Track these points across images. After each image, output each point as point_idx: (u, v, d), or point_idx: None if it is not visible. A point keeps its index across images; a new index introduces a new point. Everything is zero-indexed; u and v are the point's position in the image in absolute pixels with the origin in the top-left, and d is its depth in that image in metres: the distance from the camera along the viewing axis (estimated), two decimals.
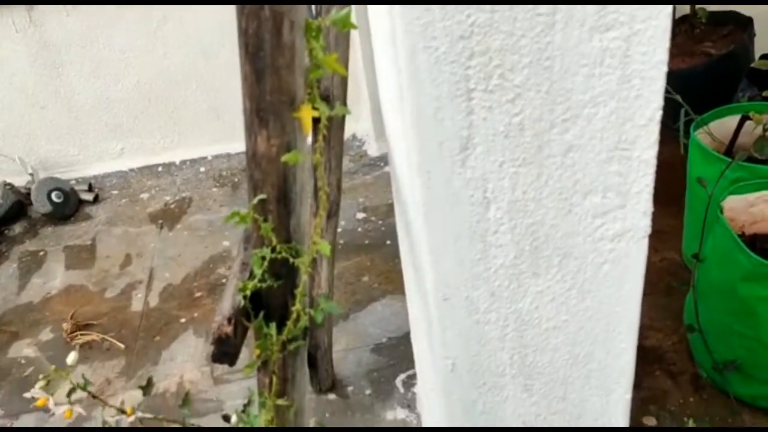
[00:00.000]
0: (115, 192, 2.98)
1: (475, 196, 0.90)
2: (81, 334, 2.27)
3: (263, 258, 0.99)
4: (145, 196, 2.95)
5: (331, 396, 2.06)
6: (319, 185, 0.91)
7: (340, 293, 2.38)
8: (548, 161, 0.88)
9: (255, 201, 0.97)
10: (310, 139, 1.07)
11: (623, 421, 1.16)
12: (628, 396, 1.12)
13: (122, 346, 2.24)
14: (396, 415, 1.97)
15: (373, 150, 3.05)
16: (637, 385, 1.98)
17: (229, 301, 1.03)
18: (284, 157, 0.90)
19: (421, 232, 0.98)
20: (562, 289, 0.99)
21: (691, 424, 1.26)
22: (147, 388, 1.01)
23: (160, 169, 3.05)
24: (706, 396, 1.91)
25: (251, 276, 1.03)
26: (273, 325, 1.01)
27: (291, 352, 1.12)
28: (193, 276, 2.50)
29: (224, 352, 1.01)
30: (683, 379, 1.96)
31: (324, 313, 1.00)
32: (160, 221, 2.79)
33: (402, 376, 2.08)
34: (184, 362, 2.17)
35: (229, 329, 0.99)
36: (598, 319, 1.02)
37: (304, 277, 1.00)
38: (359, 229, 2.68)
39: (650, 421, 1.88)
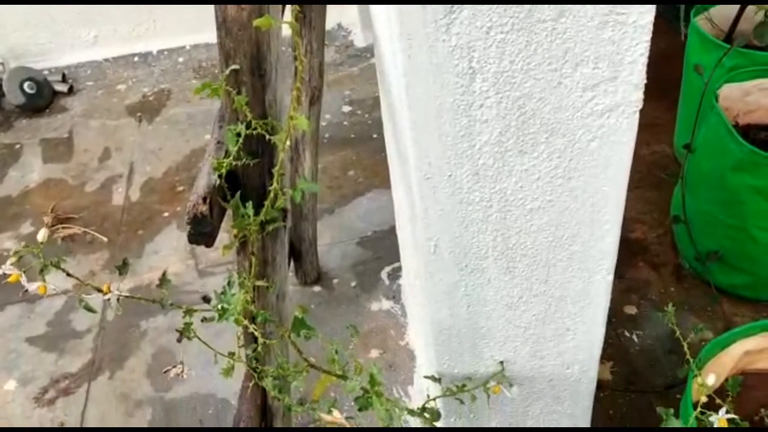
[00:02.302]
0: (91, 83, 2.87)
1: (460, 66, 0.85)
2: (63, 227, 2.25)
3: (238, 134, 0.95)
4: (122, 87, 2.84)
5: (317, 288, 2.07)
6: (295, 54, 0.85)
7: (325, 187, 2.35)
8: (538, 27, 0.82)
9: (227, 71, 0.92)
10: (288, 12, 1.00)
11: (604, 304, 1.16)
12: (610, 278, 1.11)
13: (105, 239, 2.22)
14: (381, 306, 2.00)
15: (359, 40, 2.93)
16: (620, 276, 2.01)
17: (204, 179, 0.99)
18: (256, 22, 0.83)
19: (402, 107, 0.93)
20: (548, 168, 0.95)
21: (670, 308, 1.27)
22: (123, 267, 0.99)
23: (136, 59, 2.92)
24: (687, 286, 1.94)
25: (226, 154, 0.98)
26: (250, 205, 0.98)
27: (270, 234, 1.09)
28: (174, 170, 2.45)
29: (201, 232, 0.98)
30: (666, 270, 1.99)
31: (303, 193, 0.97)
32: (139, 114, 2.71)
33: (387, 269, 2.09)
34: (168, 255, 2.17)
35: (204, 208, 0.95)
36: (584, 199, 1.00)
37: (281, 155, 0.96)
38: (345, 123, 2.62)
39: (631, 310, 1.92)
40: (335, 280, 2.08)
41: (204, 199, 0.96)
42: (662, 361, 1.75)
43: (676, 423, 1.08)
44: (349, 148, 2.49)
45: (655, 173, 2.20)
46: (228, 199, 0.99)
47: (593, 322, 1.19)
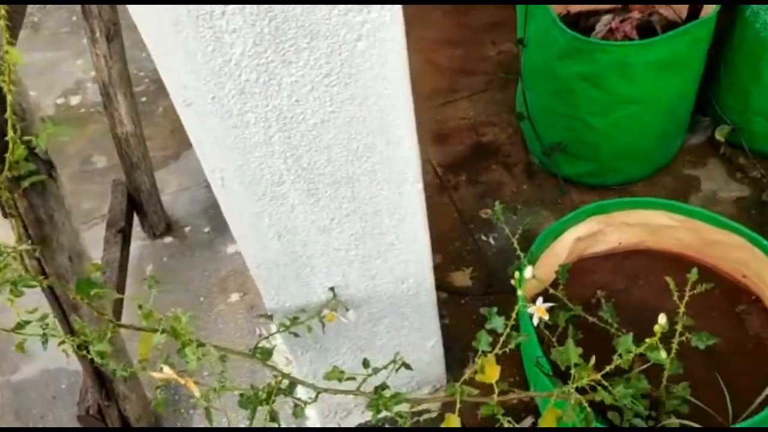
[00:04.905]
0: None
1: None
2: None
3: None
4: None
5: (168, 239, 1.96)
6: None
7: (167, 132, 2.19)
8: None
9: None
10: None
11: (421, 213, 1.12)
12: (420, 186, 1.07)
13: None
14: (237, 248, 1.90)
15: None
16: (475, 182, 2.00)
17: None
18: None
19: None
20: (319, 76, 0.88)
21: (497, 206, 1.25)
22: None
23: None
24: (539, 182, 1.95)
25: None
26: None
27: (35, 191, 0.97)
28: None
29: None
30: (518, 169, 1.99)
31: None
32: None
33: None
34: None
35: None
36: (368, 106, 0.93)
37: (9, 98, 0.83)
38: None
39: (487, 214, 1.91)
40: (187, 228, 1.97)
41: None
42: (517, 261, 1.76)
43: (498, 321, 1.06)
44: None
45: (502, 74, 2.18)
46: None
47: (415, 234, 1.16)
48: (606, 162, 1.77)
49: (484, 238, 1.85)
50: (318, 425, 1.57)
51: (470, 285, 1.78)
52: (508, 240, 1.84)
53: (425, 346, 1.43)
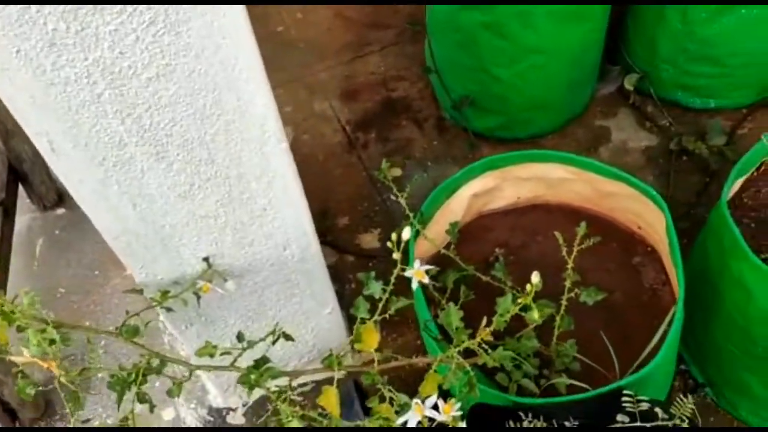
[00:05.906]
0: None
1: None
2: None
3: None
4: None
5: (60, 210, 1.84)
6: None
7: None
8: None
9: None
10: None
11: (291, 174, 1.04)
12: (284, 145, 0.99)
13: None
14: None
15: None
16: (385, 139, 1.92)
17: None
18: None
19: None
20: (142, 24, 0.78)
21: (383, 165, 1.19)
22: None
23: None
24: (449, 137, 1.88)
25: None
26: None
27: None
28: None
29: None
30: (428, 124, 1.92)
31: None
32: None
33: None
34: None
35: None
36: (207, 58, 0.83)
37: None
38: None
39: (396, 172, 1.83)
40: None
41: None
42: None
43: (375, 286, 1.01)
44: None
45: (408, 25, 2.08)
46: None
47: (289, 197, 1.08)
48: (515, 114, 1.71)
49: (393, 197, 1.77)
50: (219, 400, 1.51)
51: (378, 247, 1.72)
52: (419, 198, 1.80)
53: (322, 313, 1.36)
